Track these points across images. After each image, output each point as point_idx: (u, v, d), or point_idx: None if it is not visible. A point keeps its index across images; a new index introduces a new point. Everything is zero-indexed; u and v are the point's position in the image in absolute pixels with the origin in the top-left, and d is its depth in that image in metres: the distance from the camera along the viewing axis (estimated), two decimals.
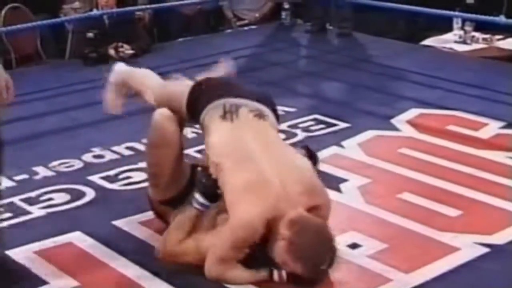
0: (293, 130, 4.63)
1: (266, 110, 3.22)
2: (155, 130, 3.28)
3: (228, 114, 3.14)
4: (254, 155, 3.03)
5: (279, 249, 2.90)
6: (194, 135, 4.25)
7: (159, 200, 3.36)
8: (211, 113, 3.17)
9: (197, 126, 3.38)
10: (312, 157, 3.31)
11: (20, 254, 3.27)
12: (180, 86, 3.40)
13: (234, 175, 2.98)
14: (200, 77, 3.49)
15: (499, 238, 3.31)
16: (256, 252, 2.96)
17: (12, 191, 3.88)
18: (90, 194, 3.86)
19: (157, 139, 3.28)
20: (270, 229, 2.92)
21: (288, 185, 2.97)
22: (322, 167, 4.03)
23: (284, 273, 2.92)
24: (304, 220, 2.92)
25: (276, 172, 2.99)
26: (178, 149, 3.30)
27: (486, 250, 3.22)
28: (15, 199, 3.80)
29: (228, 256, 2.95)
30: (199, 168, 3.19)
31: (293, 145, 3.91)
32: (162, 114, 3.28)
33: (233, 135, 3.10)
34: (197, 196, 3.07)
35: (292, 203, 2.94)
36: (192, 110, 3.26)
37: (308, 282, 2.91)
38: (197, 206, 3.07)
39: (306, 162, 3.17)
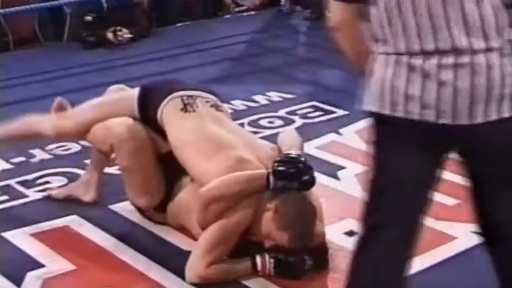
0: (291, 117, 4.63)
1: (218, 100, 3.34)
2: (128, 140, 3.22)
3: (188, 105, 3.20)
4: (224, 141, 3.09)
5: (264, 221, 2.92)
6: None
7: (154, 207, 3.29)
8: (169, 109, 3.20)
9: None
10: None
11: (16, 236, 3.28)
12: (119, 95, 3.44)
13: (213, 165, 3.00)
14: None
15: None
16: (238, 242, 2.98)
17: (9, 174, 3.88)
18: None
19: (134, 146, 3.22)
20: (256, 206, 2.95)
21: (264, 161, 3.02)
22: (320, 154, 4.05)
23: (267, 257, 2.93)
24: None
25: (250, 151, 3.06)
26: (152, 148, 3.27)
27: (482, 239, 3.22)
28: (12, 182, 3.80)
29: (219, 249, 2.92)
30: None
31: None
32: (123, 123, 3.25)
33: (198, 125, 3.16)
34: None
35: None
36: (144, 111, 3.26)
37: (291, 270, 2.93)
38: None
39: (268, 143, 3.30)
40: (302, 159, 2.99)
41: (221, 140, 3.11)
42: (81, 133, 3.40)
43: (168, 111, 3.19)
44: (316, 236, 2.99)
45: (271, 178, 2.91)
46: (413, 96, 2.01)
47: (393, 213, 2.10)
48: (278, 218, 2.89)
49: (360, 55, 2.17)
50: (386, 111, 2.06)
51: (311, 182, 2.97)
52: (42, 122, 3.45)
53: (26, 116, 3.50)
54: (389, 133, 2.10)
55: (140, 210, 3.36)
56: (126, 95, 3.41)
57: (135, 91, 3.33)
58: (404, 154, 2.07)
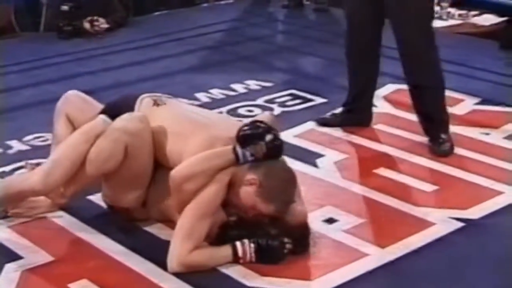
0: (270, 105, 4.63)
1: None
2: (146, 129, 3.14)
3: (158, 100, 3.29)
4: (201, 122, 3.15)
5: (247, 195, 2.94)
6: None
7: (143, 202, 3.24)
8: (143, 107, 3.24)
9: None
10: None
11: None
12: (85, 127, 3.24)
13: (188, 146, 3.03)
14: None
15: (474, 213, 3.34)
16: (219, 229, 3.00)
17: None
18: None
19: (149, 134, 3.16)
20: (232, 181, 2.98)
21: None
22: (299, 142, 4.05)
23: (247, 243, 2.94)
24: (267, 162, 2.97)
25: (225, 130, 3.08)
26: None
27: (460, 224, 3.25)
28: None
29: (198, 230, 2.92)
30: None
31: None
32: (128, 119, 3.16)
33: (173, 112, 3.24)
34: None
35: None
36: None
37: (271, 255, 2.95)
38: None
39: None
40: (265, 124, 3.02)
41: (197, 121, 3.16)
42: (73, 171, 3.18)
43: (144, 110, 3.23)
44: (297, 214, 3.02)
45: (238, 148, 2.95)
46: None
47: None
48: (263, 191, 2.91)
49: None
50: None
51: (278, 143, 2.99)
52: (26, 180, 3.27)
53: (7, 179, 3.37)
54: None
55: (122, 212, 3.29)
56: (92, 122, 3.25)
57: (99, 117, 3.25)
58: None
